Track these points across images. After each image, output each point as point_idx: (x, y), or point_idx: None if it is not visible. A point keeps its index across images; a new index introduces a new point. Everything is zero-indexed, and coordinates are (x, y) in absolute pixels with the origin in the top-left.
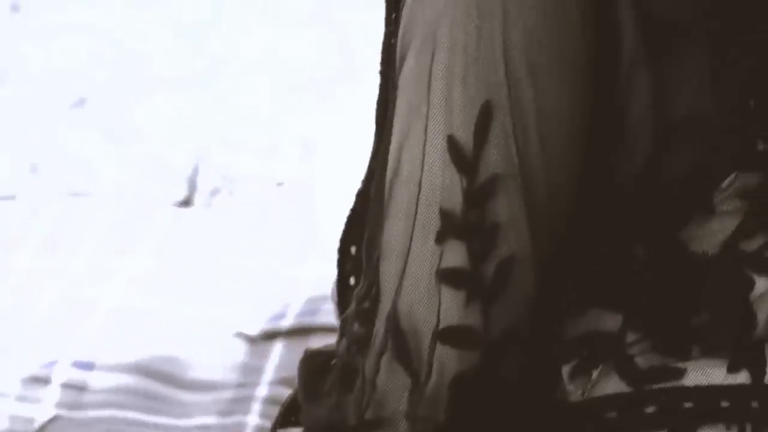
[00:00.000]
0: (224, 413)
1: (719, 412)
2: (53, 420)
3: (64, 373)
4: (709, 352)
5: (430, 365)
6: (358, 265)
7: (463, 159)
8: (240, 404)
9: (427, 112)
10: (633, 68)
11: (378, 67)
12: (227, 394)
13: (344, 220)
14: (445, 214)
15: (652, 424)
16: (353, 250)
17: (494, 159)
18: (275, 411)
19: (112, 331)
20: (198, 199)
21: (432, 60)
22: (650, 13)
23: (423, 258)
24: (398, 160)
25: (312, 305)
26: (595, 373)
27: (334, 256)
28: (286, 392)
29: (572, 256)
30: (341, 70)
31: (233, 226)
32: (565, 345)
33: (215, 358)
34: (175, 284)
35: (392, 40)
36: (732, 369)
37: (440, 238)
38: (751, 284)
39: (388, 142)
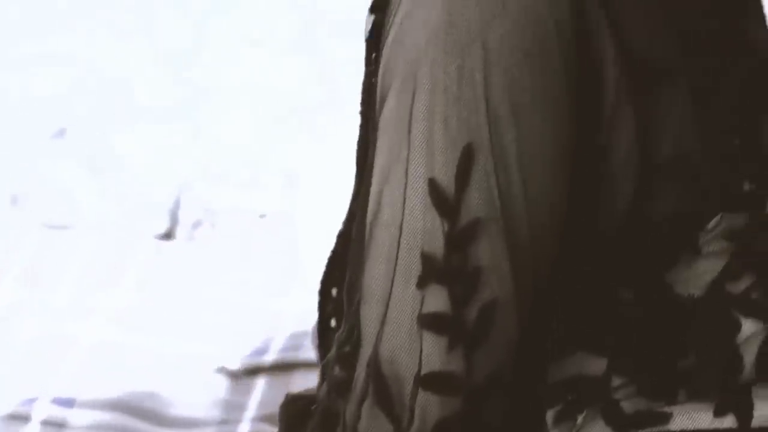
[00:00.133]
0: None
1: None
2: None
3: (44, 410)
4: (696, 395)
5: (412, 411)
6: (339, 307)
7: (445, 202)
8: None
9: (408, 154)
10: (616, 108)
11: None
12: None
13: (327, 252)
14: (426, 258)
15: None
16: (334, 291)
17: (476, 202)
18: None
19: (93, 367)
20: (180, 231)
21: (413, 101)
22: (632, 52)
23: (404, 303)
24: (379, 203)
25: (295, 340)
26: (580, 418)
27: (317, 290)
28: (268, 429)
29: (556, 299)
30: (324, 100)
31: (215, 259)
32: (550, 389)
33: (197, 394)
34: (157, 318)
35: (372, 80)
36: (719, 413)
37: (422, 283)
38: (738, 326)
39: (369, 184)
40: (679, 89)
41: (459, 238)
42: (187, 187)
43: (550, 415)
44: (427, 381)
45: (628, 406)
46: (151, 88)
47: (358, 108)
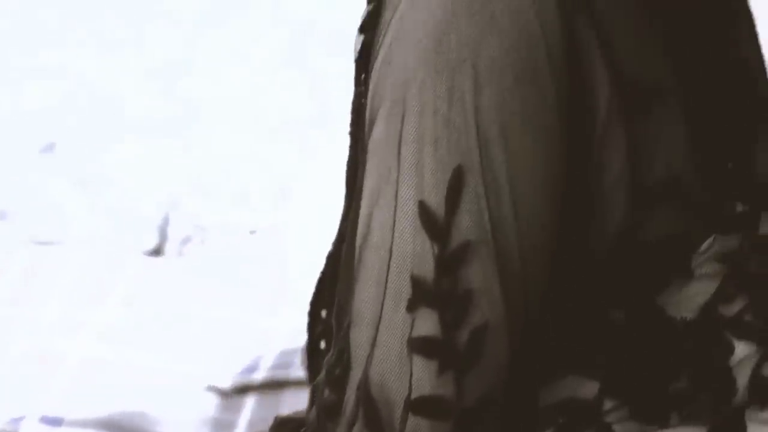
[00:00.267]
0: None
1: None
2: None
3: (31, 429)
4: (688, 419)
5: None
6: (329, 329)
7: (435, 225)
8: None
9: (398, 177)
10: (607, 128)
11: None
12: None
13: (318, 270)
14: (416, 282)
15: None
16: (323, 313)
17: (466, 225)
18: None
19: (82, 385)
20: (169, 247)
21: (402, 123)
22: (623, 72)
23: (394, 326)
24: (368, 226)
25: (285, 358)
26: None
27: (307, 307)
28: None
29: (548, 322)
30: (315, 114)
31: (204, 276)
32: (542, 412)
33: (186, 412)
34: (145, 335)
35: (362, 101)
36: None
37: (411, 306)
38: (731, 349)
39: (358, 206)
40: (670, 110)
41: (449, 261)
42: (177, 202)
43: None
44: (418, 405)
45: (620, 429)
46: (140, 103)
47: (348, 125)
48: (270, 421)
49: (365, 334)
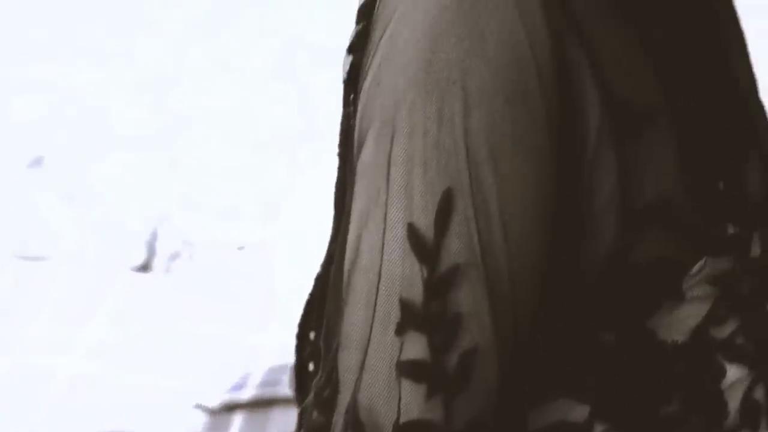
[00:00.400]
0: None
1: None
2: None
3: None
4: None
5: None
6: (317, 351)
7: (424, 248)
8: None
9: (387, 199)
10: (597, 150)
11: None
12: None
13: (306, 286)
14: (405, 305)
15: None
16: (312, 335)
17: (456, 248)
18: None
19: (69, 403)
20: (157, 263)
21: (391, 145)
22: (614, 93)
23: (383, 350)
24: (357, 249)
25: (273, 375)
26: None
27: (295, 324)
28: None
29: (538, 344)
30: (304, 129)
31: (192, 292)
32: None
33: (174, 430)
34: (133, 352)
35: (351, 122)
36: None
37: (400, 330)
38: (723, 372)
39: (347, 228)
40: (661, 131)
41: (438, 285)
42: (165, 217)
43: None
44: (406, 429)
45: None
46: (129, 117)
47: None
48: None
49: (354, 358)
